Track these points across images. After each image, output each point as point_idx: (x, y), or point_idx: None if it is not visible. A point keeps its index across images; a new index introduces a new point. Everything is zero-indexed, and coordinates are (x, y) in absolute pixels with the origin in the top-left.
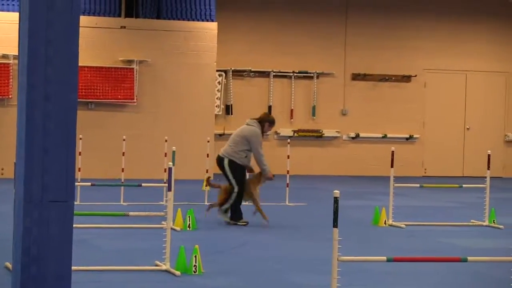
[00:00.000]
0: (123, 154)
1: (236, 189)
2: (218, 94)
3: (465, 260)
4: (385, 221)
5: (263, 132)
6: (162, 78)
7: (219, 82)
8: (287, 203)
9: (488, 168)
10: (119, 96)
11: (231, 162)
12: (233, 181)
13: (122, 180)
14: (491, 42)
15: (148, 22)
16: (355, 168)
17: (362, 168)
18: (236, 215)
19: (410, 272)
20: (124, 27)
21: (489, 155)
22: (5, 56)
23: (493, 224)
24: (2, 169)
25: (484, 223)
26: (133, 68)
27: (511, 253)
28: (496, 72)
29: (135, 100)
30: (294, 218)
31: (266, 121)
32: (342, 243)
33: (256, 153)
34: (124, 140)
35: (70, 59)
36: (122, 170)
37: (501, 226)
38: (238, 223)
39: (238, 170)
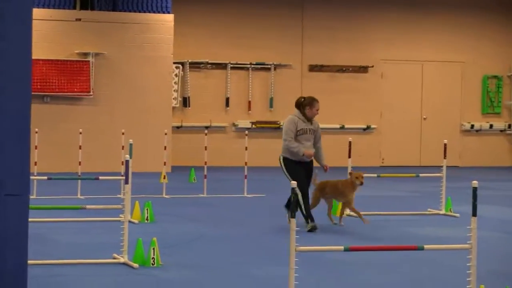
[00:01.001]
0: (80, 147)
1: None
2: (175, 87)
3: (422, 249)
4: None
5: (309, 117)
6: (119, 70)
7: (176, 75)
8: (245, 194)
9: (445, 157)
10: (75, 89)
11: (283, 159)
12: (289, 179)
13: (79, 174)
14: (446, 32)
15: (104, 15)
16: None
17: None
18: (305, 218)
19: (368, 261)
20: (80, 19)
21: (445, 145)
22: None
23: (449, 213)
24: None
25: (441, 212)
26: (89, 61)
27: (467, 241)
28: (452, 62)
29: (91, 93)
30: (253, 210)
31: (303, 105)
32: (300, 233)
33: (283, 141)
34: (80, 133)
35: (23, 52)
36: (79, 163)
37: (457, 215)
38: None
39: (288, 165)
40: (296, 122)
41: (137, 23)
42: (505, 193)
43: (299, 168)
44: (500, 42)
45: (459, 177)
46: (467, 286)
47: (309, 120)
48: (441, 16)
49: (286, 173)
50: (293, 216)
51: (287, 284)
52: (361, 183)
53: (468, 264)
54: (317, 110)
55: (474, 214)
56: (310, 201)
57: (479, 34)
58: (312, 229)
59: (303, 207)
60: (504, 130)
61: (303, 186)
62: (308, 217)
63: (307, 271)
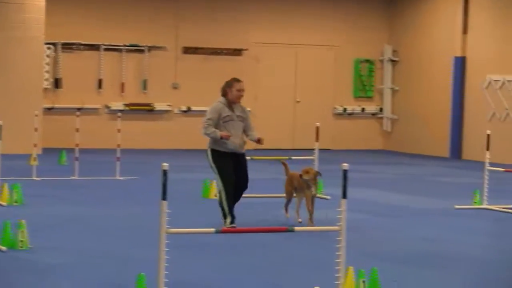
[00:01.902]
0: None
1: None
2: (47, 67)
3: (292, 230)
4: (215, 194)
5: (231, 100)
6: None
7: (48, 55)
8: (117, 177)
9: (317, 140)
10: None
11: (210, 151)
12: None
13: None
14: (320, 16)
15: None
16: (187, 142)
17: (194, 142)
18: (223, 215)
19: (241, 243)
20: None
21: (317, 128)
22: None
23: (321, 195)
24: None
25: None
26: None
27: (336, 223)
28: (325, 45)
29: None
30: (125, 192)
31: (225, 89)
32: (172, 215)
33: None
34: None
35: None
36: None
37: (328, 197)
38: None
39: (215, 157)
40: (220, 109)
41: (8, 2)
42: (375, 175)
43: (227, 161)
44: (372, 26)
45: (331, 160)
46: (336, 268)
47: (233, 104)
48: (315, 1)
49: (213, 166)
50: (164, 198)
51: (156, 265)
52: (301, 177)
53: (337, 246)
54: (239, 90)
55: (344, 196)
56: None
57: (352, 19)
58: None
59: (224, 202)
60: (376, 113)
61: (228, 180)
62: (228, 214)
63: (178, 253)
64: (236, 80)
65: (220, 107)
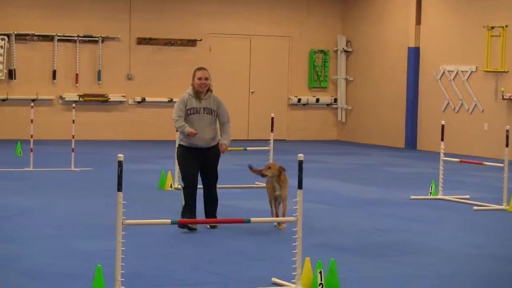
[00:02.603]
0: None
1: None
2: (1, 59)
3: (248, 221)
4: (171, 184)
5: (196, 90)
6: None
7: (1, 46)
8: (72, 168)
9: (272, 130)
10: None
11: (177, 146)
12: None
13: None
14: (274, 6)
15: None
16: (141, 133)
17: (148, 133)
18: (182, 212)
19: (197, 234)
20: None
21: (272, 118)
22: None
23: None
24: None
25: None
26: None
27: (293, 214)
28: (280, 36)
29: None
30: (79, 184)
31: (193, 79)
32: (128, 207)
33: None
34: None
35: None
36: None
37: None
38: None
39: (180, 153)
40: (186, 100)
41: None
42: (330, 166)
43: (190, 156)
44: (327, 17)
45: (286, 150)
46: (293, 258)
47: (201, 95)
48: None
49: (178, 162)
50: (119, 189)
51: (112, 257)
52: (262, 175)
53: (294, 237)
54: (199, 78)
55: (300, 187)
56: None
57: (306, 9)
58: (188, 228)
59: (182, 200)
60: (330, 104)
61: (188, 179)
62: (185, 214)
63: (133, 244)
64: (198, 69)
65: (186, 98)
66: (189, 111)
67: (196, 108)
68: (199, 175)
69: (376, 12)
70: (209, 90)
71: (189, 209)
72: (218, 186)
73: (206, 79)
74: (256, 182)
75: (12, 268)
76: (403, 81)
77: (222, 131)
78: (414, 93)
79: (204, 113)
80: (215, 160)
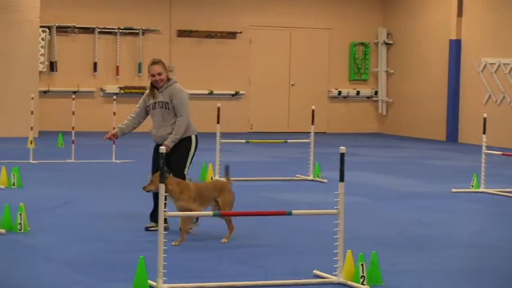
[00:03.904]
0: None
1: None
2: (42, 51)
3: (290, 214)
4: (211, 177)
5: (153, 84)
6: None
7: (42, 39)
8: (114, 160)
9: (312, 123)
10: None
11: None
12: None
13: None
14: None
15: None
16: None
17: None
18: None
19: (236, 227)
20: None
21: (313, 111)
22: None
23: (317, 178)
24: None
25: (309, 178)
26: None
27: (334, 206)
28: (320, 29)
29: None
30: (121, 176)
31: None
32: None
33: None
34: None
35: None
36: None
37: (325, 180)
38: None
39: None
40: (144, 97)
41: None
42: (371, 159)
43: (154, 154)
44: (367, 9)
45: (327, 143)
46: (335, 251)
47: (159, 89)
48: None
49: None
50: (162, 182)
51: (155, 248)
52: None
53: (336, 229)
54: (152, 75)
55: (342, 179)
56: None
57: (346, 1)
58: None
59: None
60: (371, 97)
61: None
62: (152, 214)
63: (174, 237)
64: (150, 64)
65: (145, 94)
66: (148, 108)
67: (152, 103)
68: None
69: (417, 4)
70: (168, 81)
71: (155, 209)
72: (257, 178)
73: (160, 74)
74: (297, 175)
75: (56, 259)
76: (444, 74)
77: (174, 128)
78: (455, 85)
79: (158, 107)
80: (176, 157)
